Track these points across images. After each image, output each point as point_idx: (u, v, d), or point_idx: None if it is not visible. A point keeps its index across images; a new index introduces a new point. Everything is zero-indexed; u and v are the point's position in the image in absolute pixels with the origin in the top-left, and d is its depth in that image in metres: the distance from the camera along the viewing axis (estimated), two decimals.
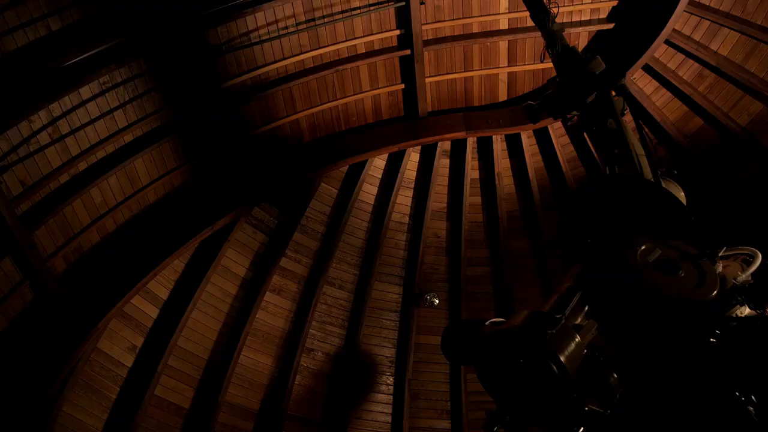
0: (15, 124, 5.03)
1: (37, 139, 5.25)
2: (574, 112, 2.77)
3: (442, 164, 7.79)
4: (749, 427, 1.34)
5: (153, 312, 6.49)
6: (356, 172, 7.56)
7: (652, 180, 2.40)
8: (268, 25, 6.24)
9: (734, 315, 1.71)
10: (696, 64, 6.80)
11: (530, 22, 6.78)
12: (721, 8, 6.38)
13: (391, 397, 7.44)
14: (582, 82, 2.66)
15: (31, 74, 4.97)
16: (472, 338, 3.08)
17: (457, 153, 7.76)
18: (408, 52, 6.91)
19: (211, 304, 6.87)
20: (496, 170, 7.67)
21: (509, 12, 6.85)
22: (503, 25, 6.98)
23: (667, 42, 6.74)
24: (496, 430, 1.51)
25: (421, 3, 6.54)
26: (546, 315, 1.59)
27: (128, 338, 6.30)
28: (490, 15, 6.85)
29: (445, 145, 7.74)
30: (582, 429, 1.46)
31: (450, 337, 3.24)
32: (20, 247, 5.28)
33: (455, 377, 7.48)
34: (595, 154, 7.43)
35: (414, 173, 7.85)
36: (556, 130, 7.53)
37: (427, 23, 6.78)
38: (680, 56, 6.85)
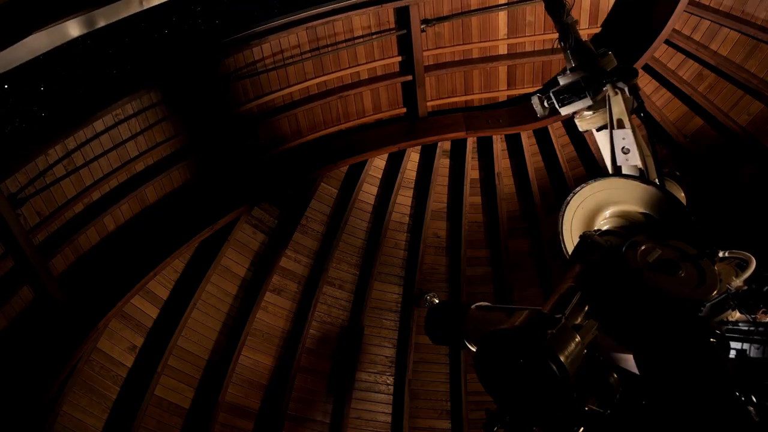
0: (33, 159, 5.26)
1: (53, 172, 5.47)
2: (582, 109, 2.72)
3: (442, 164, 7.79)
4: (749, 427, 1.34)
5: (153, 312, 6.49)
6: (356, 172, 7.56)
7: (657, 180, 2.39)
8: (273, 55, 6.50)
9: (725, 319, 1.70)
10: (696, 64, 6.81)
11: (528, 47, 7.22)
12: (721, 8, 6.39)
13: (391, 397, 7.44)
14: (594, 77, 2.61)
15: (47, 109, 5.23)
16: (455, 320, 3.10)
17: (457, 153, 7.77)
18: (410, 77, 7.12)
19: (211, 304, 6.86)
20: (496, 170, 7.67)
21: (508, 38, 7.05)
22: (502, 50, 7.18)
23: (667, 42, 6.74)
24: (496, 430, 1.51)
25: (423, 31, 6.74)
26: (546, 315, 1.59)
27: (128, 338, 6.30)
28: (489, 41, 7.07)
29: (445, 145, 7.74)
30: (582, 429, 1.46)
31: (433, 318, 3.25)
32: (39, 277, 5.50)
33: (455, 377, 7.48)
34: (598, 153, 7.45)
35: (414, 173, 7.86)
36: (556, 130, 7.54)
37: (428, 49, 6.98)
38: (680, 56, 6.85)
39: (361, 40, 6.72)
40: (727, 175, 6.84)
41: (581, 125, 2.81)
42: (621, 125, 2.54)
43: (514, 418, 1.52)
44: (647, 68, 6.97)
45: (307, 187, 7.36)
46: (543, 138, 7.64)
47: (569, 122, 7.51)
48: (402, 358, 7.50)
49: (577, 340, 1.52)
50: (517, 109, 7.49)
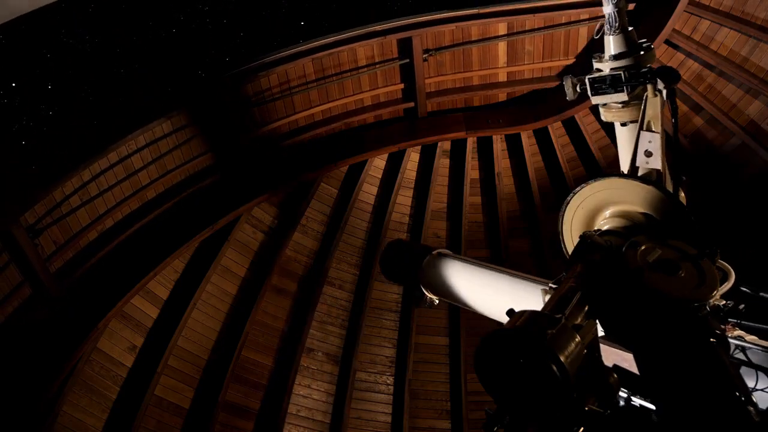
0: (51, 192, 5.51)
1: (69, 202, 5.71)
2: (615, 102, 2.56)
3: (442, 164, 7.79)
4: (749, 427, 1.34)
5: (153, 312, 6.49)
6: (356, 172, 7.56)
7: (673, 184, 2.34)
8: (280, 84, 6.71)
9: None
10: (696, 64, 6.81)
11: (527, 75, 7.41)
12: (721, 8, 6.39)
13: (391, 397, 7.44)
14: (637, 73, 2.47)
15: (62, 144, 5.41)
16: (409, 259, 3.08)
17: (457, 153, 7.77)
18: (412, 104, 7.33)
19: (211, 304, 6.86)
20: (496, 170, 7.67)
21: (507, 66, 7.28)
22: (502, 77, 7.41)
23: (667, 42, 6.75)
24: (496, 430, 1.51)
25: (425, 60, 6.96)
26: (546, 315, 1.60)
27: (128, 338, 6.30)
28: (489, 69, 7.29)
29: (445, 145, 7.74)
30: (582, 429, 1.46)
31: (389, 254, 3.22)
32: (56, 304, 5.73)
33: (455, 377, 7.48)
34: (598, 153, 7.45)
35: (414, 173, 7.86)
36: (556, 130, 7.54)
37: (429, 77, 7.19)
38: (680, 56, 6.85)
39: (365, 69, 6.98)
40: (727, 175, 6.84)
41: (606, 116, 2.66)
42: (650, 128, 2.44)
43: (514, 418, 1.52)
44: None
45: (307, 187, 7.36)
46: (543, 138, 7.64)
47: (569, 122, 7.52)
48: (402, 358, 7.50)
49: (577, 340, 1.52)
50: (517, 109, 7.50)
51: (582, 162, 7.64)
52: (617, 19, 2.59)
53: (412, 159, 7.80)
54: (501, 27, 6.99)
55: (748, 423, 1.35)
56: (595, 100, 2.60)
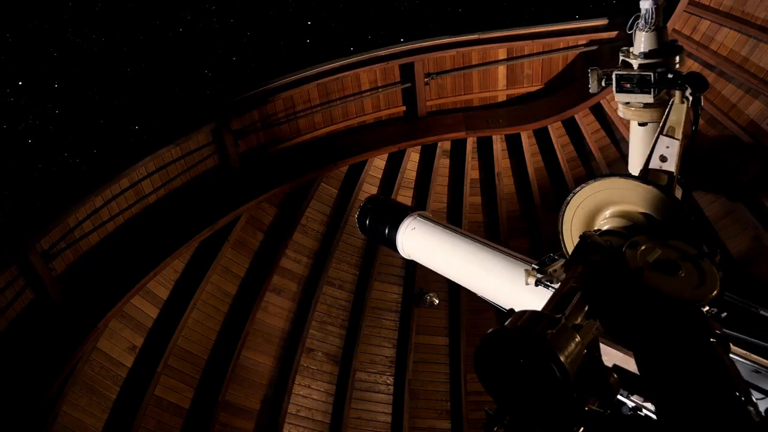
0: (65, 219, 5.75)
1: (82, 227, 5.96)
2: (637, 102, 2.46)
3: (442, 164, 7.79)
4: (749, 427, 1.34)
5: (153, 312, 6.49)
6: (356, 172, 7.56)
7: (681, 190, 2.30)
8: (285, 109, 6.95)
9: None
10: (696, 64, 6.81)
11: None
12: (721, 8, 6.39)
13: (391, 397, 7.44)
14: (667, 78, 2.40)
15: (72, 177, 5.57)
16: (388, 218, 3.06)
17: (457, 153, 7.77)
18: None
19: (211, 304, 6.86)
20: (496, 170, 7.67)
21: (507, 88, 7.53)
22: (501, 98, 7.63)
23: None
24: (496, 431, 1.51)
25: (426, 84, 7.18)
26: (546, 315, 1.59)
27: (128, 338, 6.30)
28: (489, 91, 7.55)
29: (445, 145, 7.74)
30: (582, 429, 1.46)
31: (365, 211, 3.22)
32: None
33: (455, 377, 7.48)
34: (598, 154, 7.45)
35: (414, 173, 7.86)
36: (556, 130, 7.54)
37: (431, 99, 7.43)
38: None
39: (368, 93, 7.18)
40: (727, 175, 6.83)
41: (625, 114, 2.59)
42: (671, 133, 2.36)
43: (514, 418, 1.52)
44: None
45: (307, 187, 7.36)
46: (543, 138, 7.65)
47: (569, 122, 7.53)
48: (402, 358, 7.50)
49: (577, 340, 1.51)
50: (517, 109, 7.51)
51: (582, 162, 7.64)
52: (654, 16, 2.52)
53: (412, 159, 7.80)
54: (501, 52, 7.28)
55: (748, 423, 1.35)
56: (618, 97, 2.52)
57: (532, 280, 2.25)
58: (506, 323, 1.56)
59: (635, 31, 2.58)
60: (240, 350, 6.87)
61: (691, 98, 2.34)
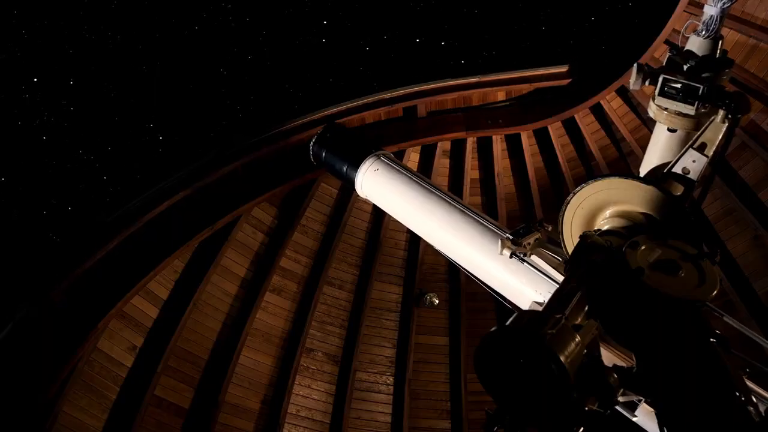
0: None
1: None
2: (676, 110, 2.36)
3: (441, 164, 7.79)
4: (749, 427, 1.34)
5: (153, 312, 6.48)
6: None
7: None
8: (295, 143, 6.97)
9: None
10: None
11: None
12: None
13: (391, 397, 7.44)
14: (715, 94, 2.29)
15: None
16: (348, 154, 2.93)
17: (457, 153, 7.76)
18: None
19: (211, 304, 6.86)
20: (496, 170, 7.67)
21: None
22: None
23: (667, 42, 6.74)
24: (496, 431, 1.51)
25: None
26: (546, 315, 1.60)
27: (128, 338, 6.30)
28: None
29: (445, 145, 7.74)
30: (582, 429, 1.46)
31: (322, 140, 3.08)
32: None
33: (455, 377, 7.48)
34: (598, 154, 7.45)
35: None
36: (556, 130, 7.54)
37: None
38: None
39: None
40: (726, 175, 6.83)
41: (657, 117, 2.48)
42: (702, 149, 2.32)
43: (513, 418, 1.52)
44: None
45: (307, 187, 7.36)
46: (543, 138, 7.64)
47: (569, 122, 7.53)
48: (402, 358, 7.50)
49: (577, 340, 1.52)
50: (517, 109, 7.50)
51: (582, 162, 7.64)
52: (717, 23, 2.44)
53: (412, 159, 7.79)
54: (500, 94, 7.41)
55: (748, 423, 1.35)
56: (658, 101, 2.42)
57: (507, 252, 2.23)
58: (506, 323, 1.57)
59: (691, 35, 2.50)
60: (240, 350, 6.87)
61: (731, 119, 2.29)
